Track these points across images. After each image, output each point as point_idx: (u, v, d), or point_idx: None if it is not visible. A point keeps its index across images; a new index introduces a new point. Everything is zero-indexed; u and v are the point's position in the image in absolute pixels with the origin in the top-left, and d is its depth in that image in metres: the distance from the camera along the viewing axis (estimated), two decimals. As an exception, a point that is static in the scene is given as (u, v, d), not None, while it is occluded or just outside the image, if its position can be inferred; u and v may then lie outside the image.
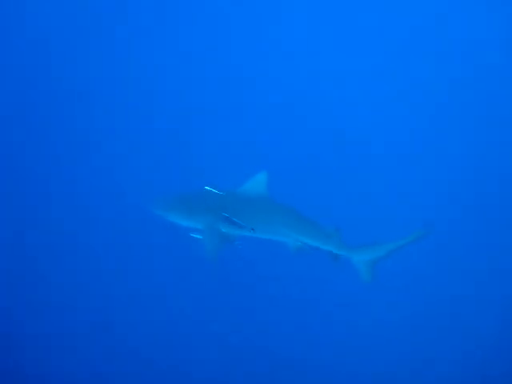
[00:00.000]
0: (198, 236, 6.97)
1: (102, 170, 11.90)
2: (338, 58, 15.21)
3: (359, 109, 14.21)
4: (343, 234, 7.20)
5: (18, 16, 14.99)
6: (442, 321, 11.14)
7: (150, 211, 7.24)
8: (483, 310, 11.25)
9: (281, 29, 15.51)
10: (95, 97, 13.49)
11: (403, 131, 13.75)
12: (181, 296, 10.30)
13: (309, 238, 7.15)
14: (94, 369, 9.72)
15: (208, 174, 9.69)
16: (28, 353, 9.70)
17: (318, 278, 10.25)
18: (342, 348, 10.35)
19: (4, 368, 9.32)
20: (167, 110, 13.66)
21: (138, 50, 14.30)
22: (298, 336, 10.47)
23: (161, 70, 14.46)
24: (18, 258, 10.51)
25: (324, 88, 14.27)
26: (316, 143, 12.93)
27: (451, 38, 15.33)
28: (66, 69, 14.07)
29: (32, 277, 10.44)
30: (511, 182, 13.08)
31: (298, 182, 11.00)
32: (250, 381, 10.06)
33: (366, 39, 15.43)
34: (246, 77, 14.38)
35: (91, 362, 9.78)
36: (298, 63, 15.16)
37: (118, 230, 10.82)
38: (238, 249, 7.11)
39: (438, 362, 10.74)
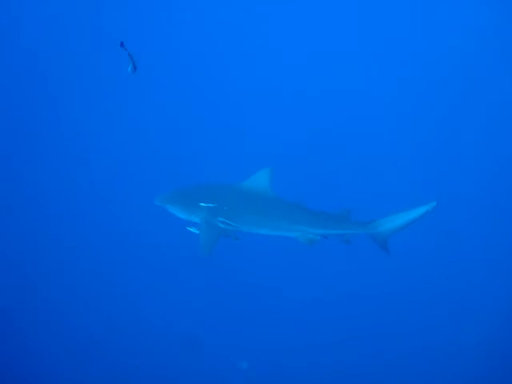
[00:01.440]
0: (195, 230, 6.98)
1: (108, 164, 12.01)
2: (339, 54, 15.23)
3: (359, 105, 14.21)
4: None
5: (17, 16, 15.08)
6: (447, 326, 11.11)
7: (152, 203, 7.30)
8: (482, 310, 11.24)
9: (281, 26, 15.58)
10: (96, 95, 13.56)
11: (402, 126, 13.80)
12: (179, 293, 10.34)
13: (320, 228, 7.20)
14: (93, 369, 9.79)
15: (212, 169, 9.77)
16: (27, 353, 9.83)
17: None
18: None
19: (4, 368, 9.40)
20: (173, 105, 13.70)
21: (136, 48, 14.36)
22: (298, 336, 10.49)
23: (166, 65, 14.52)
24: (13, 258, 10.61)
25: (324, 85, 14.26)
26: (316, 140, 12.94)
27: (442, 36, 15.37)
28: (61, 68, 14.19)
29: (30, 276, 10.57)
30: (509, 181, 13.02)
31: (299, 178, 11.03)
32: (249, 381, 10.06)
33: (363, 38, 15.47)
34: (249, 73, 14.47)
35: (90, 361, 9.86)
36: (302, 60, 15.17)
37: (120, 226, 10.91)
38: (236, 244, 7.05)
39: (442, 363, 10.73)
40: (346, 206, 7.38)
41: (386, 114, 13.97)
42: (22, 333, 10.08)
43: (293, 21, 15.70)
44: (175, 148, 12.49)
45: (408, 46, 15.06)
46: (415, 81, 14.62)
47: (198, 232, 6.87)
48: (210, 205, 6.93)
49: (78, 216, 11.46)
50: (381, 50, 15.24)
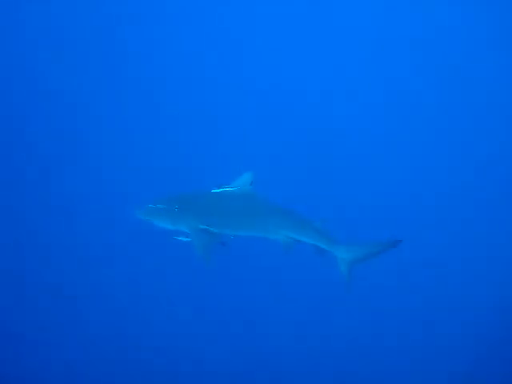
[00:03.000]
0: (184, 239, 6.87)
1: (88, 175, 11.88)
2: (321, 57, 15.23)
3: (343, 108, 14.21)
4: (332, 230, 7.09)
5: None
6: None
7: (135, 218, 7.10)
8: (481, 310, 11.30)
9: (271, 27, 15.52)
10: (82, 100, 13.49)
11: (386, 129, 13.82)
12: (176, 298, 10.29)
13: (298, 234, 7.03)
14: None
15: (194, 174, 9.69)
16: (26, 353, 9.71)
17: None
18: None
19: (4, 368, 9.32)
20: (154, 111, 13.70)
21: (119, 53, 14.28)
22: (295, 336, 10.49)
23: (145, 73, 14.49)
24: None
25: (307, 88, 14.24)
26: (301, 143, 12.93)
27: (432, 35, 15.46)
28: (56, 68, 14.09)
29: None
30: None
31: (284, 181, 10.97)
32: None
33: (357, 40, 15.47)
34: (233, 77, 14.54)
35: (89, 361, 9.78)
36: (284, 63, 15.18)
37: (105, 236, 10.81)
38: (227, 247, 6.98)
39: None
40: (321, 216, 7.13)
41: (369, 114, 14.03)
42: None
43: (287, 19, 15.64)
44: (155, 155, 12.40)
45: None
46: (404, 86, 14.66)
47: (187, 240, 6.78)
48: (195, 212, 6.85)
49: (61, 222, 11.35)
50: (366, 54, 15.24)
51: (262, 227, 7.11)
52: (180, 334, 10.20)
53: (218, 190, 7.24)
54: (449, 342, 10.84)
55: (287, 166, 12.09)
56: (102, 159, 12.57)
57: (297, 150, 12.74)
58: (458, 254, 11.64)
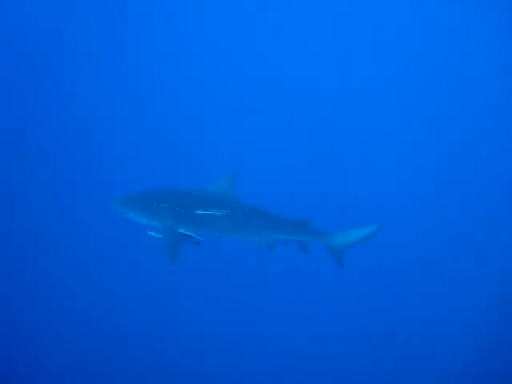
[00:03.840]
0: (156, 234, 6.74)
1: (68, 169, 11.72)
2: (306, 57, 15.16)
3: (329, 108, 14.15)
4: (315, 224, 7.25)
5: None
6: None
7: (111, 209, 6.98)
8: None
9: (268, 27, 15.45)
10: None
11: (383, 126, 13.84)
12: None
13: (280, 233, 7.13)
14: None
15: (178, 172, 9.59)
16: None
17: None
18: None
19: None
20: (140, 108, 13.58)
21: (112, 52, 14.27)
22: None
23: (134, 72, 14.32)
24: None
25: (300, 87, 14.19)
26: (285, 144, 12.88)
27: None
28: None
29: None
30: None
31: (265, 183, 10.91)
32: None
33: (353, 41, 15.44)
34: (221, 76, 14.39)
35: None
36: (269, 64, 15.08)
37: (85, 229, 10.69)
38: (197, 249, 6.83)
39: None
40: (306, 214, 7.25)
41: (357, 113, 13.99)
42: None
43: (284, 19, 15.60)
44: (141, 151, 12.29)
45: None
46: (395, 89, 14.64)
47: (159, 236, 6.65)
48: (171, 209, 6.73)
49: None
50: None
51: (242, 229, 7.09)
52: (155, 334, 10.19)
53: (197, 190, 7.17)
54: (449, 342, 10.85)
55: (271, 166, 12.02)
56: (90, 153, 12.48)
57: (283, 150, 12.70)
58: (457, 254, 11.61)
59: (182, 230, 6.72)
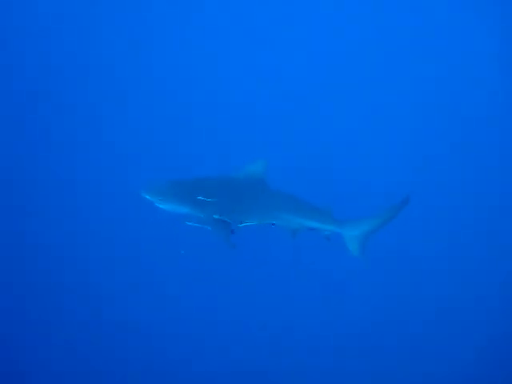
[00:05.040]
0: (195, 224, 6.67)
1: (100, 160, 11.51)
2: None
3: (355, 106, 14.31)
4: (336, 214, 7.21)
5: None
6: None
7: (145, 199, 6.83)
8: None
9: (278, 28, 15.51)
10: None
11: (393, 125, 13.93)
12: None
13: (306, 220, 7.09)
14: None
15: (207, 160, 9.50)
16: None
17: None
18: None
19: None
20: (168, 96, 13.36)
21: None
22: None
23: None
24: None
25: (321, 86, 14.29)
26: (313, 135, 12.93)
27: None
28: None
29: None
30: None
31: (295, 169, 10.96)
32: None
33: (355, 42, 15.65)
34: (249, 69, 14.42)
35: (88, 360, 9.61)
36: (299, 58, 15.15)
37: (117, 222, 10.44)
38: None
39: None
40: (328, 204, 7.21)
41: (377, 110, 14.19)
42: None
43: (291, 19, 15.61)
44: (168, 140, 12.06)
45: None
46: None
47: (198, 226, 6.52)
48: (210, 199, 6.66)
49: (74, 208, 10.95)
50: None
51: (270, 214, 7.07)
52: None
53: (229, 177, 7.16)
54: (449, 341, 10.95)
55: (296, 154, 12.02)
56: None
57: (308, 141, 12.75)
58: (457, 254, 11.86)
59: (221, 217, 6.67)
